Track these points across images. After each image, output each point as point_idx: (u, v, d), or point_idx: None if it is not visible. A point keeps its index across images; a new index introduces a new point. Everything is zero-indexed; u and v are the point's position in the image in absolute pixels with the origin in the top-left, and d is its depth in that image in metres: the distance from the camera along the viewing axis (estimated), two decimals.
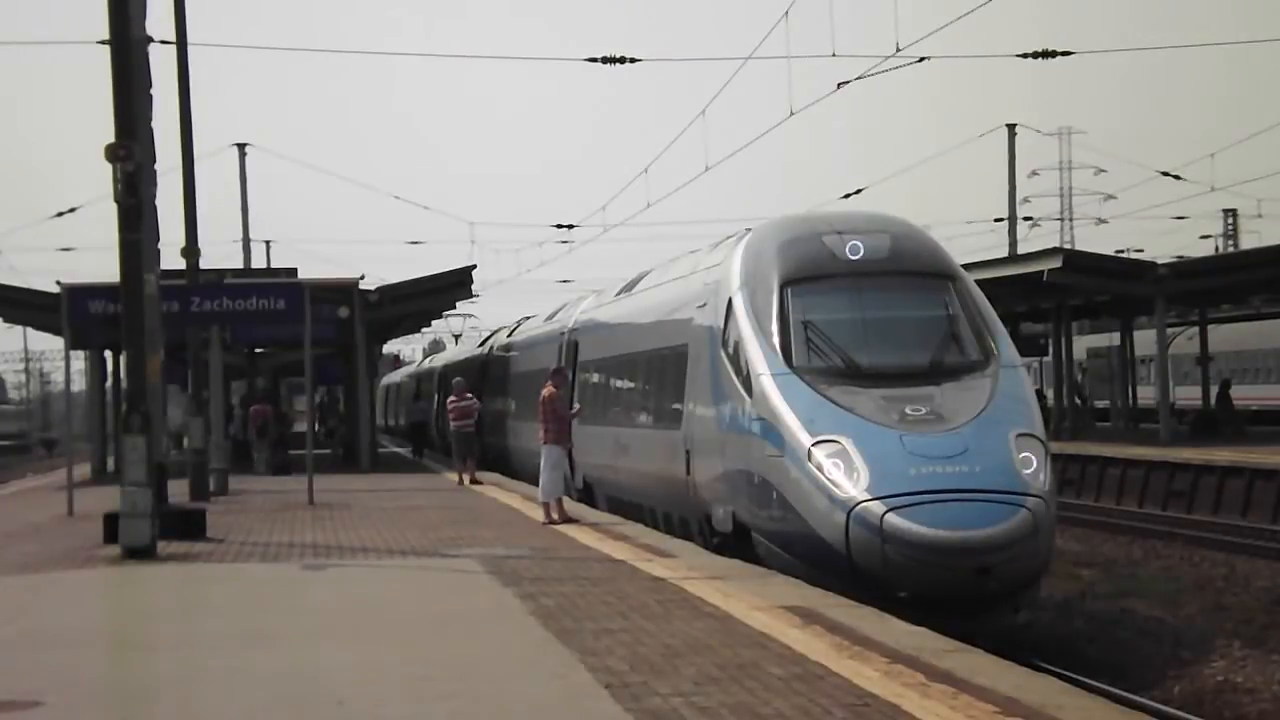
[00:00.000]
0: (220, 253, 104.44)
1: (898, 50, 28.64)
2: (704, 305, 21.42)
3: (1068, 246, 74.09)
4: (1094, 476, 38.57)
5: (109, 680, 11.92)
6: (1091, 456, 39.33)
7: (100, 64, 30.52)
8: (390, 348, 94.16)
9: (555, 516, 22.88)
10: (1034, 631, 19.39)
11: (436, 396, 53.13)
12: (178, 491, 26.77)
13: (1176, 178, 57.75)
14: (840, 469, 17.30)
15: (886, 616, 13.64)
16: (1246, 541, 28.99)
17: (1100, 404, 61.66)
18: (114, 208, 20.10)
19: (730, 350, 19.88)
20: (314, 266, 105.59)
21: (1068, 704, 9.90)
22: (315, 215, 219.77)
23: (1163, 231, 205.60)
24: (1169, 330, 51.80)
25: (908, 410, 17.95)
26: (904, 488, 16.94)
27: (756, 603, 14.23)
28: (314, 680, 11.15)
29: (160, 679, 11.45)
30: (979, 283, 20.80)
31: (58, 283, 34.24)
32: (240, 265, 54.21)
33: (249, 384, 52.59)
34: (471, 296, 46.32)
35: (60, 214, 55.34)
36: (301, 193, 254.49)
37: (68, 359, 35.94)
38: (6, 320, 47.54)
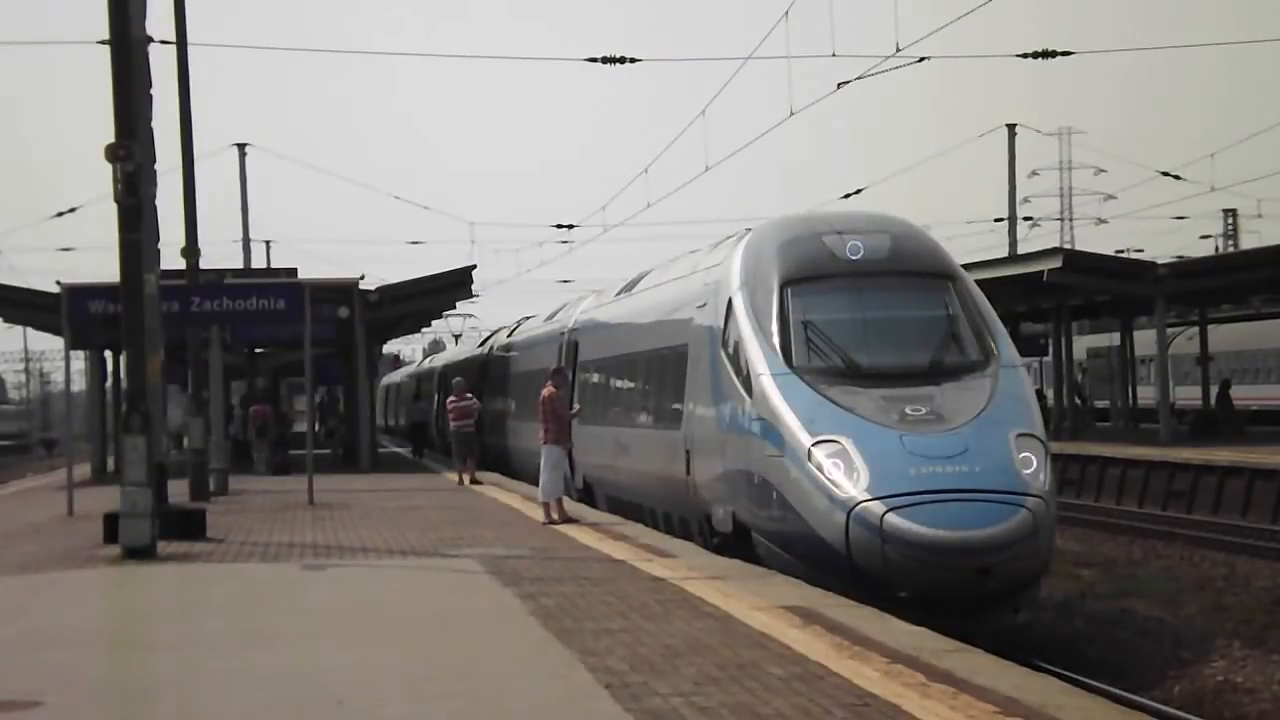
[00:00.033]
0: (220, 253, 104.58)
1: (898, 50, 28.66)
2: (704, 305, 21.42)
3: (1068, 246, 74.10)
4: (1094, 476, 38.56)
5: (109, 680, 11.92)
6: (1091, 456, 39.33)
7: (100, 64, 30.54)
8: (390, 348, 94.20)
9: (555, 516, 22.88)
10: (1034, 631, 19.39)
11: (436, 396, 53.14)
12: (178, 491, 26.77)
13: (1176, 178, 57.81)
14: (840, 469, 17.30)
15: (886, 616, 13.64)
16: (1246, 541, 28.99)
17: (1100, 404, 61.66)
18: (114, 208, 20.11)
19: (730, 350, 19.88)
20: (314, 266, 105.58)
21: (1068, 704, 9.90)
22: (315, 215, 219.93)
23: (1163, 231, 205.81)
24: (1169, 330, 51.81)
25: (908, 410, 17.95)
26: (904, 488, 16.95)
27: (756, 603, 14.23)
28: (314, 680, 11.15)
29: (160, 679, 11.45)
30: (979, 283, 20.80)
31: (58, 283, 34.26)
32: (240, 265, 54.22)
33: (249, 384, 52.60)
34: (471, 296, 46.35)
35: (60, 214, 55.40)
36: (301, 193, 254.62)
37: (68, 359, 35.95)
38: (6, 320, 47.54)
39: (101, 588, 17.60)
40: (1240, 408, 53.98)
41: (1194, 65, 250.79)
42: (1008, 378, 18.83)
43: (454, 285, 44.02)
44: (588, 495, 28.67)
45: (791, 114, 31.29)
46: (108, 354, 46.17)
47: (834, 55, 30.71)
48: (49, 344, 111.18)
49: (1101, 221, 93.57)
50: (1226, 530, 30.48)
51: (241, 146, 60.09)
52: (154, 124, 22.95)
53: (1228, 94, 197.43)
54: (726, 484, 19.83)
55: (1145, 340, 56.25)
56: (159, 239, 24.12)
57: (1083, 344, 67.12)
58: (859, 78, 30.77)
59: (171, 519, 21.91)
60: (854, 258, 19.75)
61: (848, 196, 47.03)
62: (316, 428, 50.15)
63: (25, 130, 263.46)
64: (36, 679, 11.38)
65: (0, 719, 10.08)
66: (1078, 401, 58.12)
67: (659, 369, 23.87)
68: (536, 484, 24.21)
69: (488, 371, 45.59)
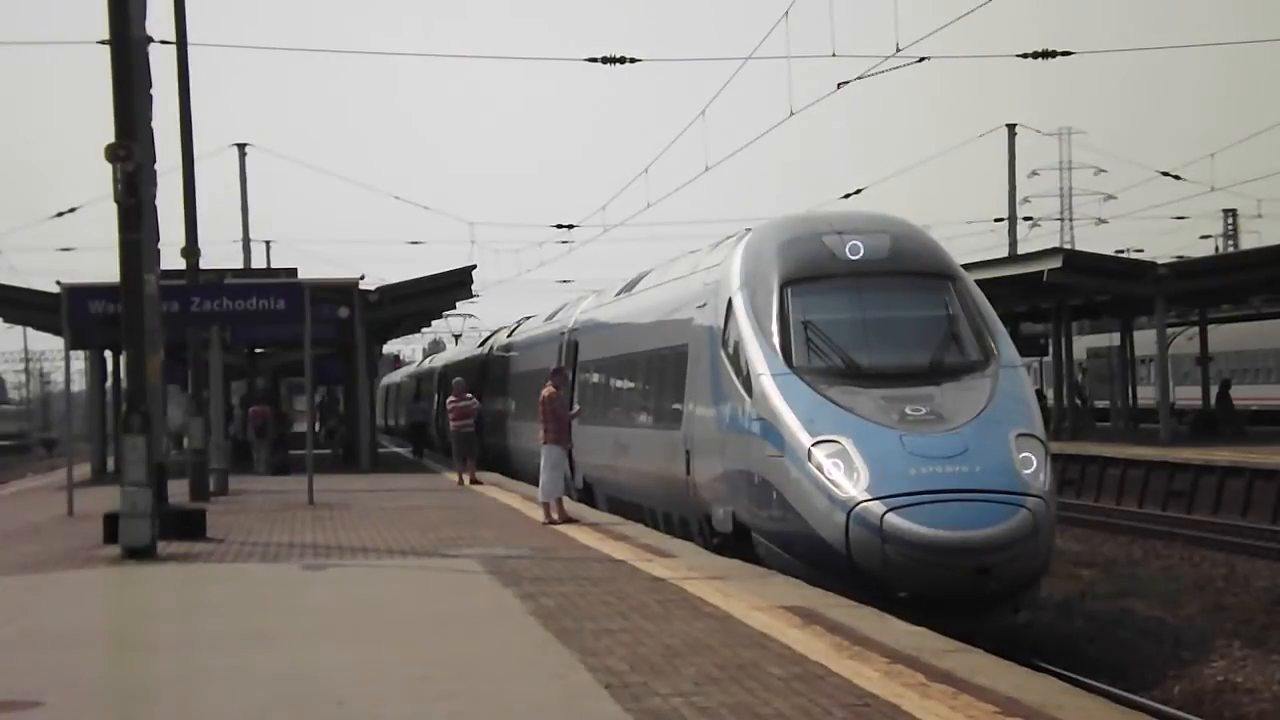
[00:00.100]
0: (220, 253, 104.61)
1: (898, 50, 28.67)
2: (704, 305, 21.42)
3: (1068, 246, 74.10)
4: (1094, 476, 38.56)
5: (109, 680, 11.92)
6: (1091, 456, 39.32)
7: (100, 64, 30.53)
8: (390, 348, 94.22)
9: (555, 516, 22.88)
10: (1034, 631, 19.39)
11: (436, 396, 53.14)
12: (178, 491, 26.77)
13: (1176, 178, 57.80)
14: (840, 469, 17.30)
15: (886, 616, 13.64)
16: (1246, 541, 28.99)
17: (1100, 404, 61.66)
18: (114, 208, 20.11)
19: (730, 350, 19.88)
20: (314, 266, 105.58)
21: (1068, 704, 9.90)
22: (315, 215, 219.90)
23: (1163, 231, 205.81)
24: (1169, 330, 51.81)
25: (908, 410, 17.95)
26: (904, 488, 16.94)
27: (756, 603, 14.23)
28: (314, 680, 11.15)
29: (160, 679, 11.45)
30: (979, 283, 20.80)
31: (58, 283, 34.26)
32: (240, 265, 54.22)
33: (249, 384, 52.60)
34: (471, 296, 46.34)
35: (60, 214, 55.42)
36: (301, 193, 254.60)
37: (68, 359, 35.97)
38: (6, 320, 47.54)
39: (101, 588, 17.60)
40: (1240, 408, 53.98)
41: (1194, 65, 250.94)
42: (1008, 378, 18.83)
43: (454, 285, 44.02)
44: (588, 495, 28.67)
45: (791, 114, 31.33)
46: (108, 354, 46.16)
47: (834, 55, 30.75)
48: (49, 344, 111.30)
49: (1101, 221, 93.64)
50: (1226, 530, 30.47)
51: (241, 146, 60.14)
52: (154, 124, 22.94)
53: (1228, 94, 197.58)
54: (726, 484, 19.82)
55: (1145, 340, 56.25)
56: (159, 239, 24.12)
57: (1083, 344, 67.12)
58: (859, 78, 30.81)
59: (171, 519, 21.91)
60: (854, 258, 19.75)
61: (848, 196, 47.09)
62: (316, 428, 50.16)
63: (25, 130, 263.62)
64: (36, 679, 11.38)
65: (0, 719, 10.08)
66: (1078, 401, 58.12)
67: (659, 369, 23.87)
68: (536, 484, 24.21)
69: (488, 371, 45.59)
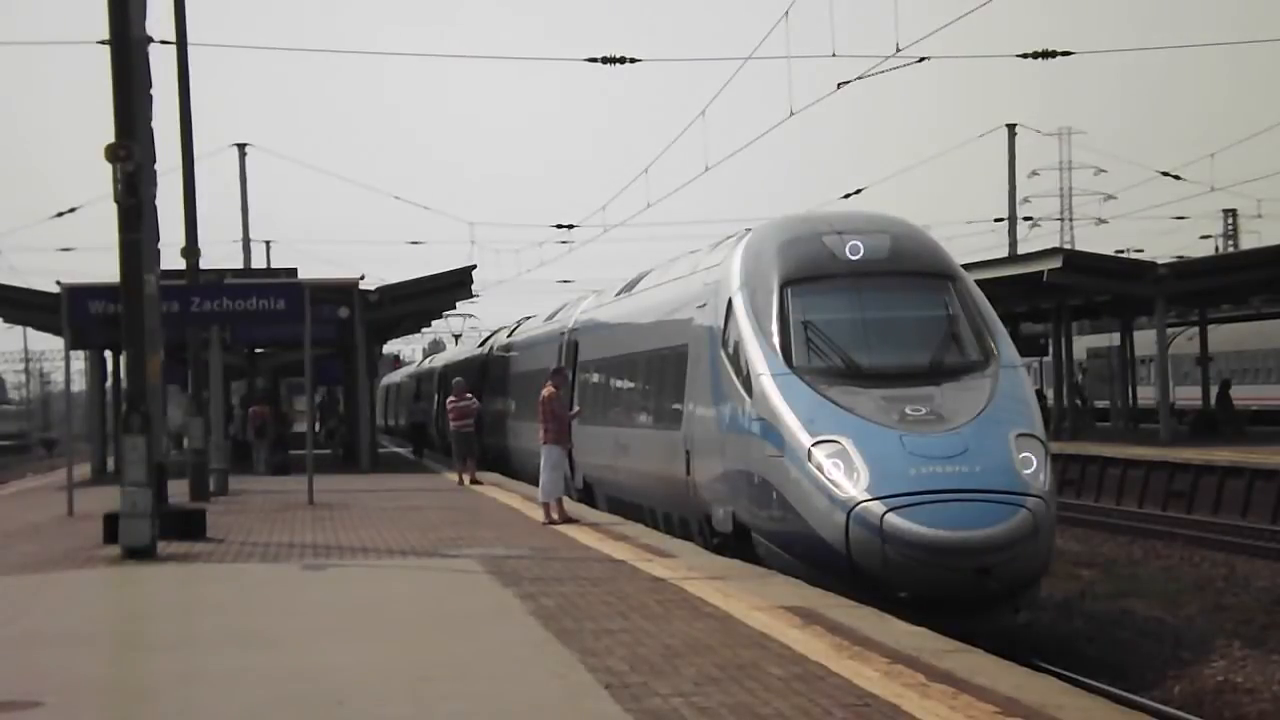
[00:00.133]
0: (220, 253, 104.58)
1: (898, 50, 28.67)
2: (704, 305, 21.42)
3: (1068, 246, 74.10)
4: (1094, 476, 38.56)
5: (109, 680, 11.92)
6: (1091, 456, 39.32)
7: (100, 64, 30.51)
8: (390, 348, 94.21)
9: (555, 516, 22.88)
10: (1034, 631, 19.39)
11: (436, 397, 53.15)
12: (178, 491, 26.77)
13: (1176, 178, 57.76)
14: (840, 469, 17.29)
15: (886, 616, 13.64)
16: (1246, 541, 28.99)
17: (1100, 404, 61.66)
18: (114, 208, 20.10)
19: (730, 350, 19.88)
20: (314, 266, 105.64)
21: (1068, 704, 9.90)
22: (315, 215, 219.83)
23: (1163, 231, 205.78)
24: (1169, 330, 51.80)
25: (908, 410, 17.94)
26: (904, 488, 16.94)
27: (756, 603, 14.23)
28: (314, 680, 11.15)
29: (160, 679, 11.45)
30: (979, 283, 20.80)
31: (58, 283, 34.24)
32: (240, 265, 54.22)
33: (249, 384, 52.61)
34: (471, 296, 46.34)
35: (60, 214, 55.29)
36: (301, 193, 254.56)
37: (68, 359, 36.00)
38: (6, 320, 47.54)
39: (101, 588, 17.60)
40: (1240, 408, 53.98)
41: (1194, 65, 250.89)
42: (1008, 378, 18.83)
43: (454, 285, 44.02)
44: (588, 495, 28.67)
45: (791, 114, 31.33)
46: (108, 354, 46.17)
47: (834, 55, 30.77)
48: (49, 344, 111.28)
49: (1101, 221, 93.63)
50: (1226, 530, 30.47)
51: (241, 146, 60.13)
52: (154, 124, 22.94)
53: (1228, 94, 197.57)
54: (726, 484, 19.82)
55: (1145, 340, 56.25)
56: (159, 239, 24.11)
57: (1083, 344, 67.12)
58: (859, 78, 30.78)
59: (171, 519, 21.91)
60: (854, 258, 19.75)
61: (848, 196, 47.06)
62: (316, 428, 50.15)
63: (25, 130, 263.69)
64: (36, 679, 11.38)
65: (0, 719, 10.08)
66: (1078, 401, 58.12)
67: (659, 369, 23.87)
68: (536, 484, 24.21)
69: (488, 371, 45.59)
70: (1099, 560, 27.81)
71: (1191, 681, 17.09)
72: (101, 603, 16.80)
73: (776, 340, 19.15)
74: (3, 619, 14.84)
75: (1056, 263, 42.53)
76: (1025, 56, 33.46)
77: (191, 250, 30.06)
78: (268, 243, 75.82)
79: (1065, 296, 48.76)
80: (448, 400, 34.56)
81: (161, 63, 26.64)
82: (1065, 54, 33.37)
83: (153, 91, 23.13)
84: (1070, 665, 16.94)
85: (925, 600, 16.18)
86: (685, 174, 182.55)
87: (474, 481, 33.02)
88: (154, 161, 22.85)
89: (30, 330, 79.15)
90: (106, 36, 20.88)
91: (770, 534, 18.57)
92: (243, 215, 60.23)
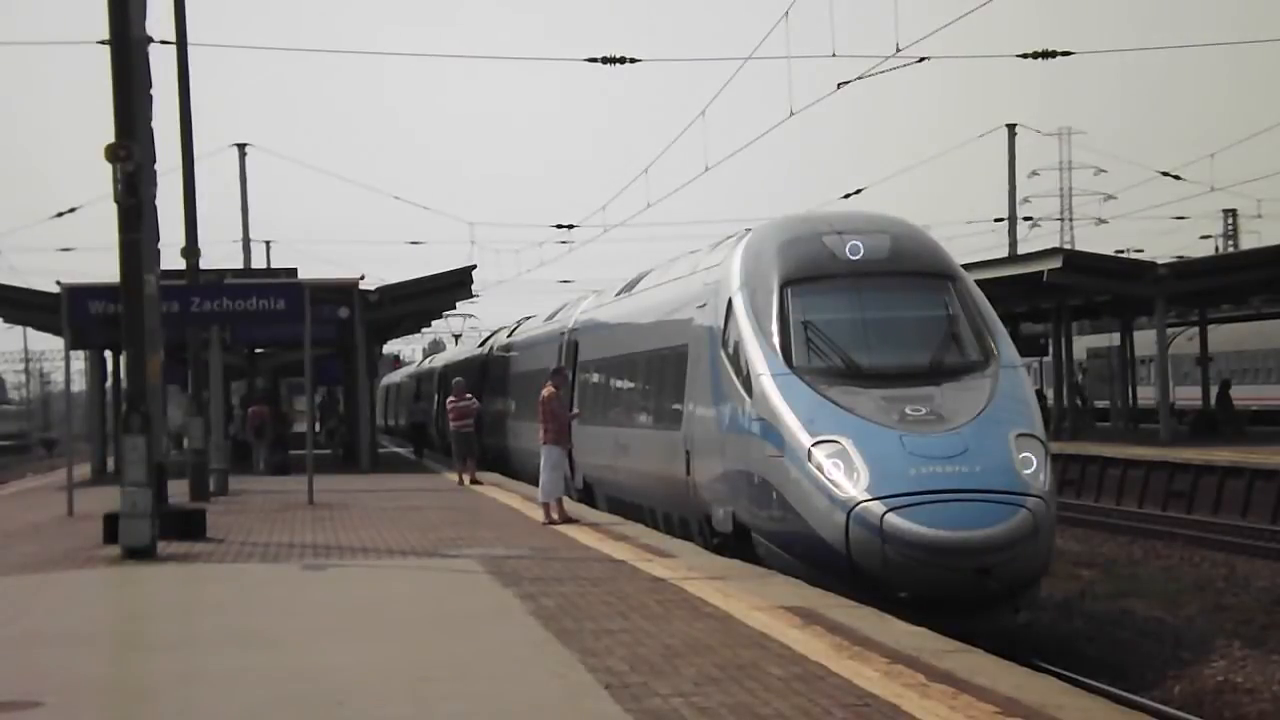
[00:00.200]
0: (220, 253, 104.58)
1: (898, 50, 28.66)
2: (704, 305, 21.42)
3: (1068, 246, 74.11)
4: (1094, 476, 38.56)
5: (109, 680, 11.92)
6: (1091, 456, 39.32)
7: (100, 64, 30.50)
8: (390, 348, 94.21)
9: (555, 517, 22.88)
10: (1034, 631, 19.38)
11: (436, 397, 53.15)
12: (178, 491, 26.76)
13: (1176, 178, 57.75)
14: (840, 469, 17.29)
15: (886, 616, 13.64)
16: (1246, 542, 28.99)
17: (1100, 404, 61.67)
18: (114, 208, 20.10)
19: (730, 350, 19.88)
20: (314, 266, 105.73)
21: (1068, 704, 9.90)
22: (315, 215, 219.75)
23: (1163, 231, 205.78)
24: (1169, 330, 51.80)
25: (908, 410, 17.94)
26: (904, 488, 16.94)
27: (756, 603, 14.23)
28: (314, 680, 11.15)
29: (160, 679, 11.45)
30: (979, 283, 20.80)
31: (58, 283, 34.22)
32: (240, 265, 54.22)
33: (249, 384, 52.60)
34: (471, 296, 46.35)
35: (60, 214, 55.31)
36: (301, 193, 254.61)
37: (68, 359, 36.00)
38: (6, 320, 47.54)
39: (101, 588, 17.60)
40: (1240, 408, 53.98)
41: (1194, 65, 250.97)
42: (1008, 378, 18.83)
43: (454, 285, 44.02)
44: (588, 495, 28.67)
45: (791, 114, 31.31)
46: (108, 354, 46.16)
47: (834, 55, 30.77)
48: (49, 344, 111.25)
49: (1101, 221, 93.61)
50: (1226, 530, 30.48)
51: (241, 146, 60.12)
52: (154, 124, 22.94)
53: (1228, 94, 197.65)
54: (726, 484, 19.82)
55: (1145, 340, 56.25)
56: (159, 239, 24.11)
57: (1083, 344, 67.12)
58: (859, 78, 30.76)
59: (171, 519, 21.91)
60: (854, 258, 19.74)
61: (848, 196, 47.06)
62: (316, 428, 50.14)
63: (25, 130, 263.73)
64: (36, 679, 11.38)
65: (0, 719, 10.08)
66: (1078, 401, 58.13)
67: (659, 369, 23.87)
68: (536, 484, 24.21)
69: (488, 372, 45.59)
70: (1099, 560, 27.81)
71: (1191, 681, 17.09)
72: (101, 603, 16.80)
73: (776, 340, 19.15)
74: (3, 619, 14.84)
75: (1056, 263, 42.53)
76: (1025, 56, 33.47)
77: (191, 250, 30.06)
78: (268, 243, 75.89)
79: (1065, 296, 48.76)
80: (448, 400, 34.56)
81: (161, 63, 26.66)
82: (1065, 54, 33.38)
83: (153, 91, 23.13)
84: (1070, 665, 16.94)
85: (925, 600, 16.17)
86: (685, 174, 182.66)
87: (474, 481, 33.02)
88: (154, 161, 22.84)
89: (30, 330, 79.16)
90: (106, 36, 20.88)
91: (770, 534, 18.57)
92: (243, 215, 60.25)
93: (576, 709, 10.04)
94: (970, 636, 13.05)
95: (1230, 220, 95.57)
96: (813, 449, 17.62)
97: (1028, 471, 17.40)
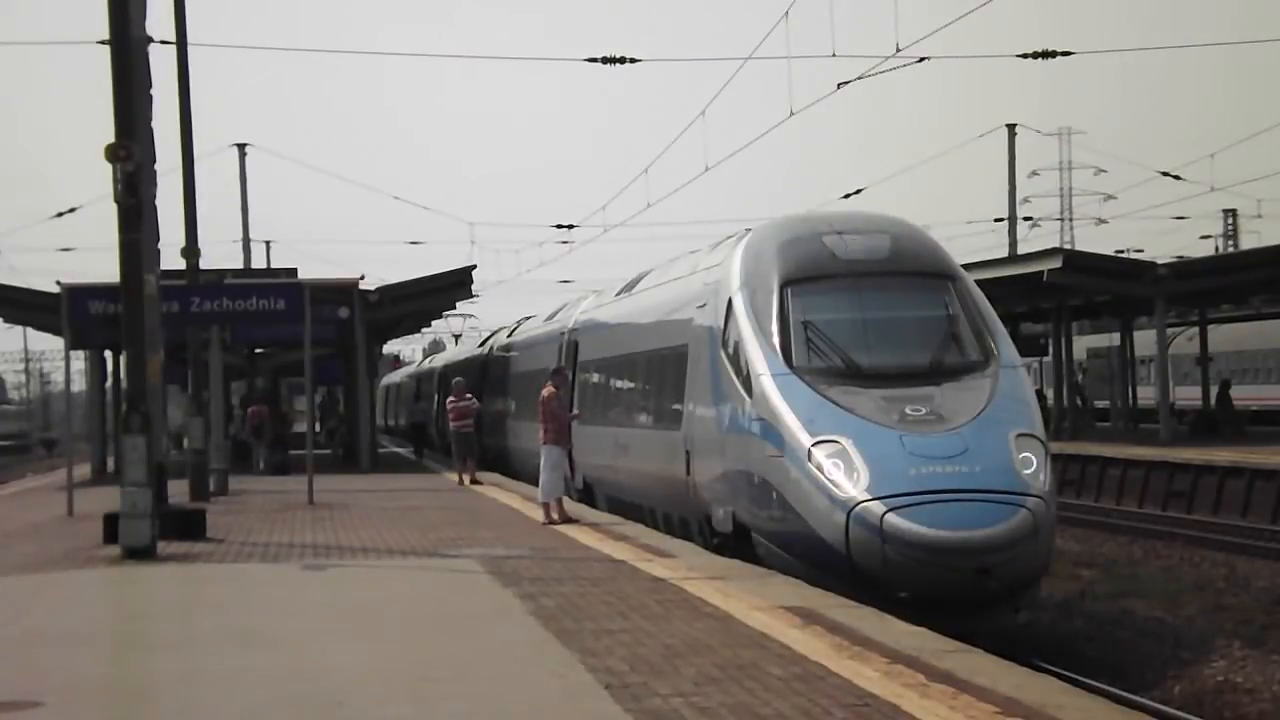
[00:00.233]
0: (220, 253, 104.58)
1: (898, 50, 28.65)
2: (704, 305, 21.41)
3: (1068, 246, 74.10)
4: (1094, 476, 38.56)
5: (109, 680, 11.92)
6: (1091, 456, 39.32)
7: (100, 64, 30.51)
8: (390, 348, 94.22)
9: (555, 517, 22.87)
10: (1034, 631, 19.38)
11: (436, 397, 53.15)
12: (178, 491, 26.76)
13: (1176, 178, 57.73)
14: (840, 469, 17.29)
15: (886, 616, 13.64)
16: (1246, 542, 28.99)
17: (1100, 404, 61.67)
18: (114, 208, 20.10)
19: (730, 350, 19.88)
20: (314, 266, 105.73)
21: (1068, 704, 9.90)
22: (315, 215, 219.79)
23: (1163, 231, 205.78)
24: (1169, 330, 51.80)
25: (908, 410, 17.94)
26: (904, 488, 16.94)
27: (756, 603, 14.23)
28: (314, 680, 11.15)
29: (160, 679, 11.45)
30: (979, 283, 20.79)
31: (58, 283, 34.21)
32: (240, 265, 54.22)
33: (249, 384, 52.60)
34: (471, 296, 46.35)
35: (60, 214, 55.31)
36: (301, 193, 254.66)
37: (68, 359, 35.99)
38: (6, 320, 47.53)
39: (101, 588, 17.60)
40: (1240, 408, 53.98)
41: (1194, 65, 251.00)
42: (1008, 378, 18.82)
43: (454, 285, 44.01)
44: (588, 495, 28.67)
45: (791, 114, 31.29)
46: (108, 354, 46.16)
47: (834, 55, 30.77)
48: (49, 344, 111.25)
49: (1101, 221, 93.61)
50: (1226, 530, 30.47)
51: (241, 146, 60.12)
52: (154, 124, 22.93)
53: (1228, 94, 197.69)
54: (726, 484, 19.82)
55: (1145, 340, 56.25)
56: (159, 239, 24.10)
57: (1083, 344, 67.12)
58: (859, 78, 30.75)
59: (171, 519, 21.91)
60: (854, 258, 19.74)
61: (848, 196, 47.07)
62: (317, 428, 50.13)
63: (25, 130, 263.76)
64: (36, 679, 11.38)
65: (0, 719, 10.08)
66: (1078, 401, 58.14)
67: (659, 369, 23.86)
68: (536, 484, 24.21)
69: (488, 371, 45.59)
70: (1099, 560, 27.81)
71: (1191, 681, 17.09)
72: (101, 603, 16.80)
73: (776, 340, 19.14)
74: (3, 619, 14.84)
75: (1056, 263, 42.52)
76: (1025, 56, 33.46)
77: (191, 250, 30.05)
78: (268, 243, 75.89)
79: (1065, 296, 48.76)
80: (448, 400, 34.56)
81: (161, 63, 26.66)
82: (1065, 54, 33.38)
83: (153, 91, 23.13)
84: (1070, 665, 16.94)
85: (925, 600, 16.17)
86: (685, 174, 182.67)
87: (474, 481, 33.02)
88: (154, 161, 22.84)
89: (30, 330, 79.16)
90: (106, 36, 20.88)
91: (770, 534, 18.57)
92: (243, 215, 60.25)
93: (576, 709, 10.04)
94: (970, 636, 13.05)
95: (1230, 220, 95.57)
96: (813, 449, 17.62)
97: (1028, 471, 17.40)
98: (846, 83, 30.59)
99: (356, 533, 22.47)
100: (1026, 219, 79.70)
